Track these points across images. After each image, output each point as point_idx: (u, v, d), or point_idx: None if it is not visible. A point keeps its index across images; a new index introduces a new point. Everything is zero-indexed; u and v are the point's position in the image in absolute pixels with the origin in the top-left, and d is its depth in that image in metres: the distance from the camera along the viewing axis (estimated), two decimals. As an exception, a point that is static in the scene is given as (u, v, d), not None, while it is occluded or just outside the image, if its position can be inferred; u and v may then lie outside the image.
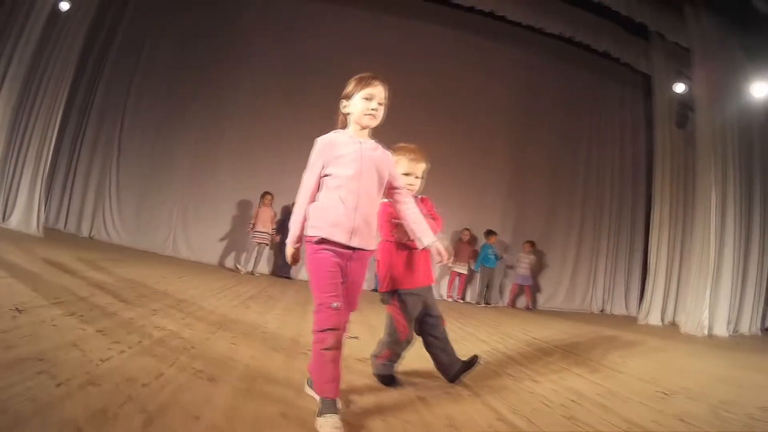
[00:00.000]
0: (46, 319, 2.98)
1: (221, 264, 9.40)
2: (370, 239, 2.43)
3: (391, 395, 2.76)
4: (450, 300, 9.41)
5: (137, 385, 2.26)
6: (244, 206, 9.55)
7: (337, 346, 2.26)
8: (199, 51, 9.64)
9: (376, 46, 9.52)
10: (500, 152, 10.13)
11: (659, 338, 6.70)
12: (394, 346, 2.96)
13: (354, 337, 3.80)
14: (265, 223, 8.76)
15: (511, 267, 9.81)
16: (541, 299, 9.92)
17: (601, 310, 9.93)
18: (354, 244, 2.35)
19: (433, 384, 3.06)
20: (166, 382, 2.39)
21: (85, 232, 9.25)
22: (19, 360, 2.26)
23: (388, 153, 2.54)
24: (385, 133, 2.59)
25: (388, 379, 2.92)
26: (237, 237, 9.45)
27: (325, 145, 2.42)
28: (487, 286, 9.41)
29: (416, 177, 2.94)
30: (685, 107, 8.63)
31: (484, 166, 10.04)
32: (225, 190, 9.57)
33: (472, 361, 3.09)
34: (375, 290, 8.49)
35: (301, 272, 9.08)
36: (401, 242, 2.92)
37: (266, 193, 8.94)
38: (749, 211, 7.76)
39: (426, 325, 3.02)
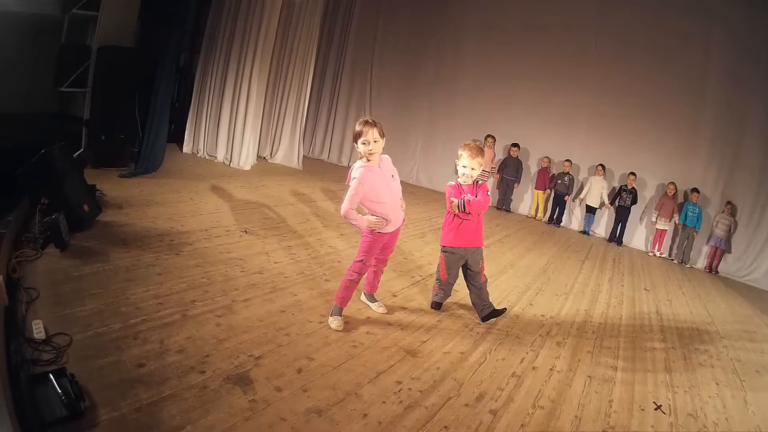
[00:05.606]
0: (261, 237, 5.18)
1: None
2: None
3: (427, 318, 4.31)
4: (651, 255, 9.22)
5: (282, 277, 4.28)
6: (473, 145, 11.03)
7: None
8: (430, 7, 11.14)
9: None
10: (711, 102, 9.01)
11: None
12: (439, 284, 4.19)
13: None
14: (486, 162, 9.87)
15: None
16: (744, 269, 8.69)
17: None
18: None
19: (465, 317, 4.29)
20: (302, 275, 4.38)
21: (344, 162, 11.87)
22: (229, 258, 4.42)
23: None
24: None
25: (435, 305, 4.24)
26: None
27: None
28: (685, 244, 9.02)
29: (472, 168, 3.86)
30: None
31: (693, 117, 9.17)
32: (457, 130, 10.81)
33: (500, 311, 4.19)
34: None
35: (521, 206, 10.65)
36: (454, 213, 3.97)
37: (489, 135, 10.07)
38: None
39: (467, 274, 4.14)
